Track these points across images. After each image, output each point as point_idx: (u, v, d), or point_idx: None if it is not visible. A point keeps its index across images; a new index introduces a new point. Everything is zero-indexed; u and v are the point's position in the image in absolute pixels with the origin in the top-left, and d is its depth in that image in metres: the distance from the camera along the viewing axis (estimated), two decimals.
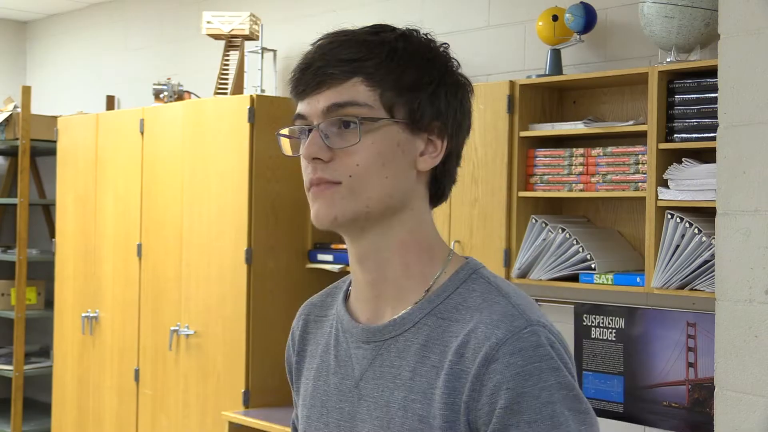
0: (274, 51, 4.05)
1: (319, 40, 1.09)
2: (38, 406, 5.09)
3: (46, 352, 5.16)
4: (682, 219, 2.63)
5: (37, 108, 5.14)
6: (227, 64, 3.99)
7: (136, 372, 4.04)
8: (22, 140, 4.80)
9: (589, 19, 2.97)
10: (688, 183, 2.62)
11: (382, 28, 1.09)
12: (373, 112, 1.05)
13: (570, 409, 0.99)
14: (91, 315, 4.30)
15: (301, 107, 1.08)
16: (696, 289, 2.60)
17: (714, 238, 2.35)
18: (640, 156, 2.75)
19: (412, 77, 1.06)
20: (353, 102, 1.04)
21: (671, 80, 2.70)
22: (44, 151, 5.01)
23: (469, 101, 1.13)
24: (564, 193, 2.93)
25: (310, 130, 1.07)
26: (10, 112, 4.88)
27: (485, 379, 0.99)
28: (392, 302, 1.10)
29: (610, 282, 2.79)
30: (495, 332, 1.01)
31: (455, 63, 1.11)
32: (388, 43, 1.06)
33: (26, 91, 4.83)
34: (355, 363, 1.11)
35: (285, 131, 1.12)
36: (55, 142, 4.62)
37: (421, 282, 1.09)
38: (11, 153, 5.26)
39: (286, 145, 1.12)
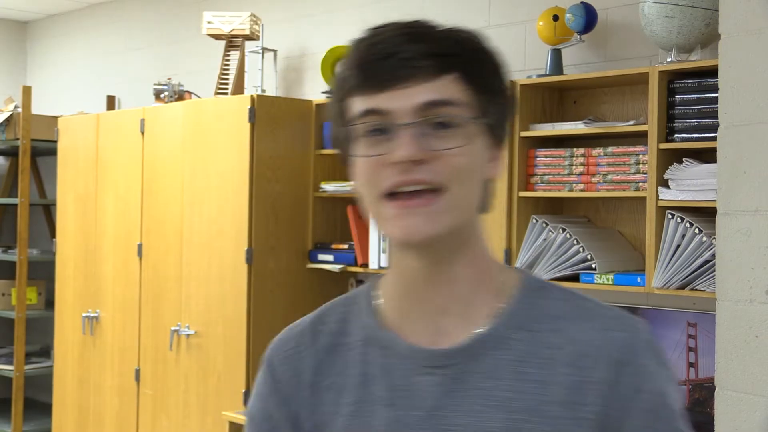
0: (275, 51, 4.05)
1: (381, 30, 0.97)
2: (39, 406, 5.09)
3: (46, 352, 5.16)
4: (682, 219, 2.63)
5: (38, 108, 5.14)
6: (227, 64, 3.99)
7: (137, 372, 4.04)
8: (23, 140, 4.80)
9: (589, 19, 2.97)
10: (689, 183, 2.62)
11: (437, 24, 1.01)
12: (470, 112, 0.96)
13: (679, 399, 1.00)
14: (92, 315, 4.30)
15: (377, 102, 0.94)
16: (696, 289, 2.60)
17: (714, 238, 2.35)
18: (640, 156, 2.75)
19: (497, 80, 1.00)
20: (452, 101, 0.95)
21: (672, 80, 2.70)
22: (45, 151, 5.01)
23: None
24: (564, 193, 2.93)
25: (384, 129, 0.95)
26: (11, 112, 4.88)
27: (622, 385, 0.95)
28: (461, 319, 0.99)
29: (610, 282, 2.79)
30: (616, 336, 0.97)
31: None
32: (473, 41, 0.99)
33: (27, 91, 4.83)
34: (424, 391, 0.98)
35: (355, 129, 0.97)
36: (55, 142, 4.62)
37: (490, 295, 1.01)
38: (12, 153, 5.26)
39: (358, 145, 0.97)
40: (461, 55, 0.96)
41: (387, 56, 0.94)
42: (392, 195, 0.94)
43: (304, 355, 1.05)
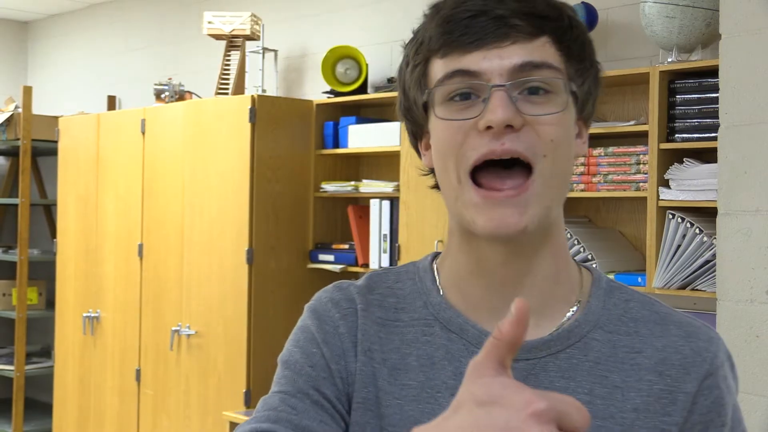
0: (275, 51, 4.06)
1: None
2: (39, 406, 5.09)
3: (47, 352, 5.16)
4: (683, 219, 2.63)
5: (38, 108, 5.14)
6: (228, 64, 3.99)
7: (138, 372, 4.04)
8: (24, 140, 4.80)
9: (590, 19, 2.97)
10: (689, 183, 2.62)
11: None
12: (564, 78, 0.88)
13: None
14: (93, 315, 4.30)
15: (467, 62, 0.86)
16: (697, 289, 2.60)
17: (715, 238, 2.35)
18: (641, 156, 2.75)
19: (587, 49, 0.91)
20: (548, 64, 0.87)
21: (672, 80, 2.70)
22: (45, 151, 5.01)
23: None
24: None
25: (471, 93, 0.87)
26: (12, 113, 4.88)
27: (704, 397, 0.90)
28: (536, 312, 0.91)
29: None
30: (702, 346, 0.92)
31: None
32: (563, 6, 0.91)
33: (27, 92, 4.83)
34: None
35: (441, 92, 0.88)
36: (56, 142, 4.62)
37: (568, 289, 0.94)
38: (12, 153, 5.26)
39: (441, 110, 0.88)
40: (555, 18, 0.88)
41: (478, 14, 0.86)
42: (478, 182, 0.86)
43: (359, 319, 0.95)
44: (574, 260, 0.98)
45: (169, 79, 4.26)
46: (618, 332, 0.92)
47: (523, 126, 0.85)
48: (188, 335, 3.78)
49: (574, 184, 2.90)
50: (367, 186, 3.57)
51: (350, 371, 0.93)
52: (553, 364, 0.90)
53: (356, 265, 3.54)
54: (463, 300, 0.94)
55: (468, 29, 0.86)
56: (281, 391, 0.93)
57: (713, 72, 2.41)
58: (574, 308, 0.93)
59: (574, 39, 0.89)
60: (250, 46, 4.06)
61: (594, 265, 2.76)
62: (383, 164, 3.69)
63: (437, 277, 0.97)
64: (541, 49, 0.87)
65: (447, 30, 0.87)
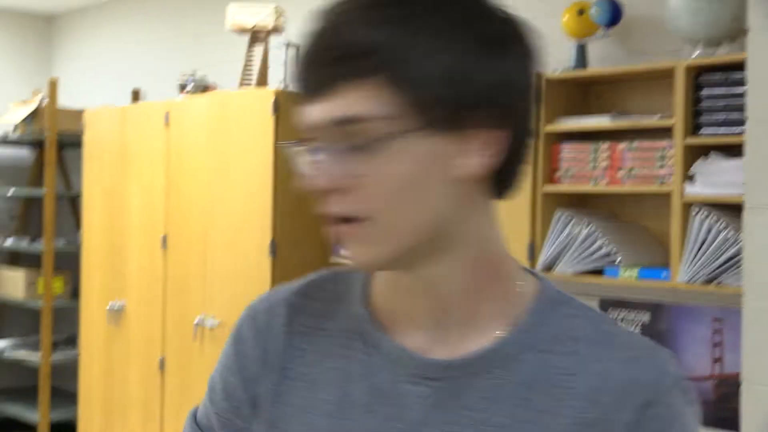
0: (299, 45, 4.06)
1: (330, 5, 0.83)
2: (65, 395, 5.15)
3: (72, 340, 5.22)
4: (708, 214, 2.62)
5: (64, 101, 5.19)
6: (251, 57, 4.00)
7: (161, 362, 4.08)
8: (49, 132, 4.84)
9: (615, 13, 2.96)
10: (715, 178, 2.61)
11: None
12: (396, 123, 0.77)
13: None
14: (117, 305, 4.34)
15: (304, 112, 0.82)
16: (723, 284, 2.59)
17: (741, 233, 2.34)
18: (666, 151, 2.74)
19: (452, 56, 0.77)
20: (375, 116, 0.77)
21: (698, 74, 2.68)
22: (70, 143, 5.05)
23: (526, 61, 0.87)
24: (589, 188, 2.93)
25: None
26: (38, 105, 4.93)
27: (641, 428, 0.81)
28: (463, 328, 0.86)
29: (635, 276, 2.78)
30: (642, 372, 0.83)
31: (498, 10, 0.83)
32: (410, 3, 0.78)
33: (53, 84, 4.87)
34: (413, 402, 0.84)
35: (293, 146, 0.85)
36: (81, 134, 4.66)
37: (498, 306, 0.86)
38: (38, 145, 5.32)
39: (299, 158, 0.85)
40: (390, 45, 0.76)
41: (312, 55, 0.83)
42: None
43: (278, 334, 0.92)
44: (525, 269, 0.90)
45: (194, 71, 4.29)
46: (552, 352, 0.84)
47: (351, 184, 0.79)
48: (211, 327, 3.81)
49: (599, 179, 2.89)
50: None
51: (260, 393, 0.92)
52: (477, 385, 0.84)
53: None
54: (387, 310, 0.89)
55: (304, 75, 0.81)
56: (197, 414, 1.05)
57: (739, 66, 2.40)
58: (508, 325, 0.86)
59: (423, 57, 0.76)
60: (273, 39, 4.07)
61: (618, 260, 2.76)
62: None
63: (368, 284, 0.91)
64: (370, 97, 0.76)
65: (296, 72, 0.82)
